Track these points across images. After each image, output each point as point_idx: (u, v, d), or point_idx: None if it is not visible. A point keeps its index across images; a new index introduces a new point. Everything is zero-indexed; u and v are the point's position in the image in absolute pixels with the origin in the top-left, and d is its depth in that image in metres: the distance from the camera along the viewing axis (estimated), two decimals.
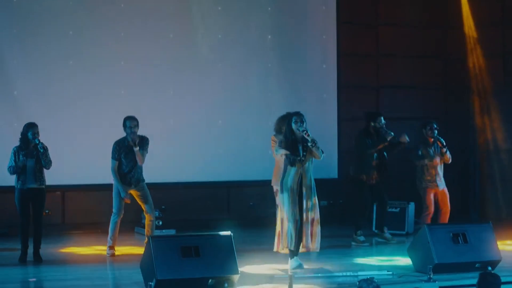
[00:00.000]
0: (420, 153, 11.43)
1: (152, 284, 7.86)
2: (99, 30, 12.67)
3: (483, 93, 14.26)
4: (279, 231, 9.24)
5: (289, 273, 8.58)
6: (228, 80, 13.29)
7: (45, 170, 10.01)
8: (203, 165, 13.06)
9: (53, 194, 12.12)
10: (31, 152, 9.95)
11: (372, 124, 11.34)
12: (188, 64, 13.07)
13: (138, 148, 10.31)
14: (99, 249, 10.96)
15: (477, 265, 8.83)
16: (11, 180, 10.19)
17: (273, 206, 10.08)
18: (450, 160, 11.45)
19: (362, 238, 11.26)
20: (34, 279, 9.16)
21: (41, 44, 12.40)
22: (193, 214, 12.99)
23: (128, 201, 10.50)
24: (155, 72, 12.89)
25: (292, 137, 9.16)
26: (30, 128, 9.95)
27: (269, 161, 10.47)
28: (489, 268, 8.68)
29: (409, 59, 14.41)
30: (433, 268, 8.56)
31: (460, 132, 14.16)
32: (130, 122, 10.36)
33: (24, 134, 9.98)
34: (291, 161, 9.12)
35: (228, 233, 8.43)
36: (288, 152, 9.07)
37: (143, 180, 10.50)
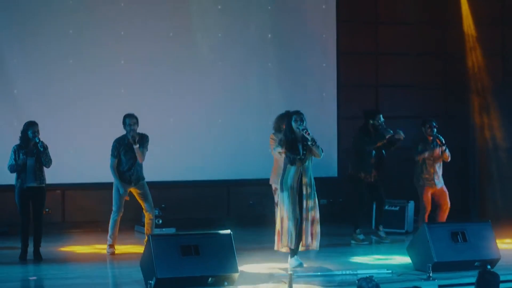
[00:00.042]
0: (419, 148, 11.40)
1: (152, 282, 7.88)
2: (99, 29, 12.67)
3: (483, 92, 14.24)
4: (278, 229, 9.25)
5: (289, 271, 8.58)
6: (228, 78, 13.28)
7: (45, 169, 10.02)
8: (203, 164, 13.06)
9: (53, 193, 12.13)
10: (31, 151, 9.95)
11: (371, 122, 11.31)
12: (188, 63, 13.07)
13: (138, 145, 10.33)
14: (99, 247, 10.97)
15: (476, 264, 8.84)
16: (11, 179, 10.19)
17: (273, 204, 10.11)
18: (450, 158, 11.42)
19: (361, 236, 11.26)
20: (34, 278, 9.17)
21: (41, 43, 12.40)
22: (193, 212, 13.00)
23: (127, 198, 10.52)
24: (155, 71, 12.89)
25: (292, 136, 9.18)
26: (30, 127, 9.95)
27: (268, 160, 10.48)
28: (488, 266, 8.66)
29: (409, 58, 14.39)
30: (433, 267, 8.57)
31: (459, 131, 14.14)
32: (129, 120, 10.38)
33: (24, 133, 9.98)
34: (291, 159, 9.14)
35: (228, 231, 8.45)
36: (285, 150, 9.09)
37: (143, 178, 10.52)
